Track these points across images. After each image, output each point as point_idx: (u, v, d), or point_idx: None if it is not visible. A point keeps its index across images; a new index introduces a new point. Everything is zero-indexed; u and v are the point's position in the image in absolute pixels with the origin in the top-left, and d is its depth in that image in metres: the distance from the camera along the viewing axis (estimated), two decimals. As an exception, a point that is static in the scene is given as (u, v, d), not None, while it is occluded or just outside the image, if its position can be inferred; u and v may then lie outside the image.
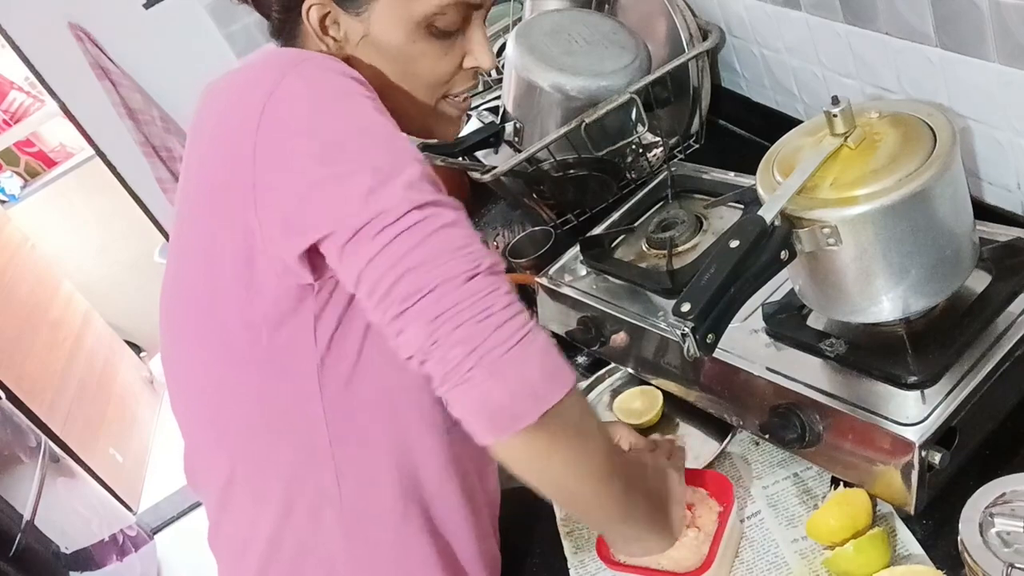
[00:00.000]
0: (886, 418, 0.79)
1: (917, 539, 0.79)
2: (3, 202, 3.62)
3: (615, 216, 1.28)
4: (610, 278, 1.16)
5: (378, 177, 0.64)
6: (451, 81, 0.82)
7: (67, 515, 2.56)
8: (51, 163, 3.92)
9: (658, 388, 1.07)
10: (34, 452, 2.59)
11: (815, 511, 0.83)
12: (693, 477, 0.91)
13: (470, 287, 0.63)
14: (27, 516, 2.35)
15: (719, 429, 1.00)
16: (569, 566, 0.95)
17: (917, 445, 0.75)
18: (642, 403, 1.08)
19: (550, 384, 0.66)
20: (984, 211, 0.95)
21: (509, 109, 1.45)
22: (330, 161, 0.66)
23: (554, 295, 1.21)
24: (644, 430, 1.04)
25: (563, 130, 1.31)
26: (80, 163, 3.68)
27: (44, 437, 2.71)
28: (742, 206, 1.11)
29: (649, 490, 0.83)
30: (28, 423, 2.68)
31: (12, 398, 2.72)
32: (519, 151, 1.40)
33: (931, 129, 0.78)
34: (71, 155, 3.85)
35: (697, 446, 1.01)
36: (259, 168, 0.67)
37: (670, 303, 0.93)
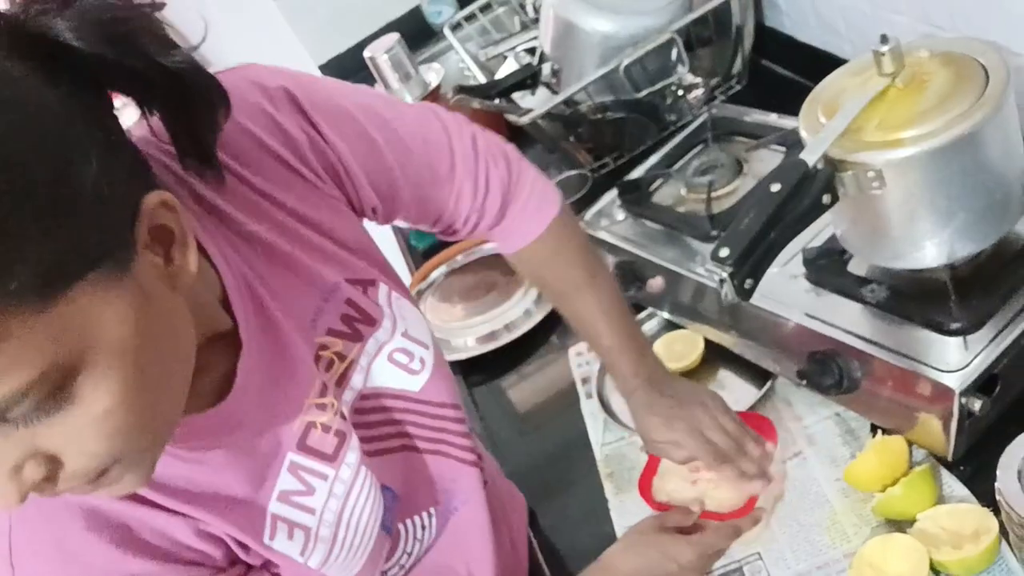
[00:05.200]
0: (926, 364, 0.78)
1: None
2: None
3: (654, 159, 1.26)
4: (648, 222, 1.15)
5: None
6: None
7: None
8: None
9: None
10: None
11: (852, 460, 0.83)
12: None
13: None
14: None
15: (760, 372, 1.00)
16: (610, 507, 0.97)
17: (957, 392, 0.75)
18: (683, 346, 1.08)
19: None
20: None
21: (546, 50, 1.43)
22: None
23: (591, 240, 1.21)
24: (684, 374, 1.04)
25: (601, 71, 1.29)
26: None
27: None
28: (784, 149, 1.10)
29: None
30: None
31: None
32: (556, 93, 1.38)
33: (984, 69, 0.75)
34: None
35: (737, 389, 1.02)
36: None
37: (708, 248, 0.92)
